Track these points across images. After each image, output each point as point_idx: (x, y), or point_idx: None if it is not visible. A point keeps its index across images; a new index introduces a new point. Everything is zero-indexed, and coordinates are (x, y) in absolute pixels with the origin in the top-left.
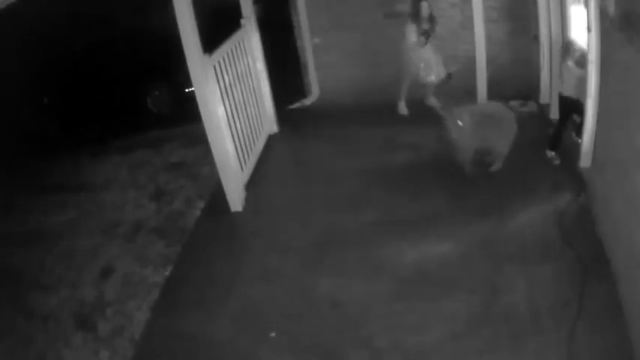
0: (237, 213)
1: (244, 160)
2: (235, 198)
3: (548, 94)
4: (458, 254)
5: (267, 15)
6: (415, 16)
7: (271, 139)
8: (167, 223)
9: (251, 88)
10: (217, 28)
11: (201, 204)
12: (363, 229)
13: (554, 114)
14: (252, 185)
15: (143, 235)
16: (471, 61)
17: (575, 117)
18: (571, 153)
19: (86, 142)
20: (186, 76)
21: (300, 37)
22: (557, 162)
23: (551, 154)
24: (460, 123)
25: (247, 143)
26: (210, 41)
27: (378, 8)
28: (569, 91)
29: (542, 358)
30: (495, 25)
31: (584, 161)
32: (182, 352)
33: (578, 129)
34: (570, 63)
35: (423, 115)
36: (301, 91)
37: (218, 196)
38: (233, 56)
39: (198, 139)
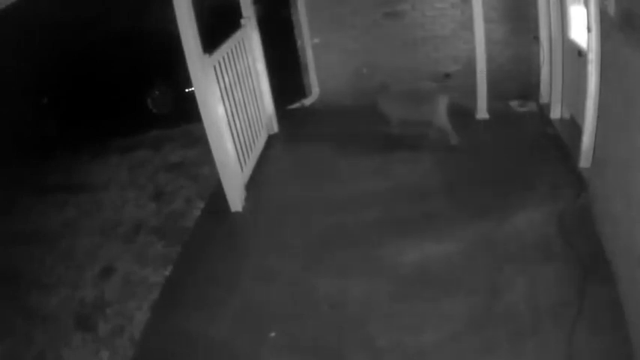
0: (237, 213)
1: (244, 160)
2: (235, 198)
3: (548, 94)
4: (458, 254)
5: (267, 15)
6: None
7: (271, 139)
8: (167, 223)
9: (251, 88)
10: (217, 28)
11: (201, 204)
12: (363, 228)
13: (554, 114)
14: (252, 185)
15: (143, 235)
16: (471, 61)
17: None
18: (571, 153)
19: (86, 142)
20: (186, 76)
21: (300, 37)
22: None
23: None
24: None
25: (247, 143)
26: (211, 41)
27: (377, 8)
28: None
29: (542, 358)
30: (495, 25)
31: (584, 161)
32: (182, 352)
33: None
34: None
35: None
36: (301, 91)
37: (218, 196)
38: (233, 56)
39: (198, 139)
